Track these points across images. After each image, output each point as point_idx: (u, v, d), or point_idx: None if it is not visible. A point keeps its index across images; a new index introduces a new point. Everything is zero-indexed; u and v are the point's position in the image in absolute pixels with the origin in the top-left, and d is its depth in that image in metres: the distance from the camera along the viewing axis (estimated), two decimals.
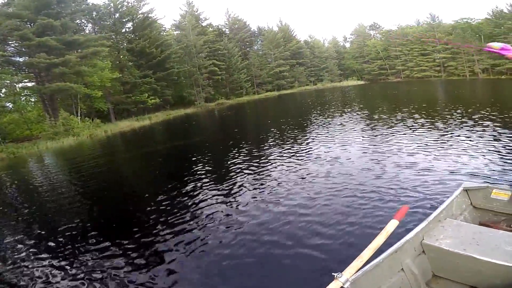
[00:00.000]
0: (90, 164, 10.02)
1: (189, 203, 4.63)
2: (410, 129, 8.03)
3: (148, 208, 4.66)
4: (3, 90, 24.73)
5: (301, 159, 6.35)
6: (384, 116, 10.72)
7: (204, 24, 48.42)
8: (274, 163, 6.27)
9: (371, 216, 3.38)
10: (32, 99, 27.81)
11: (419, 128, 8.01)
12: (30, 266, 3.39)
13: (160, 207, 4.62)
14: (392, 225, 1.76)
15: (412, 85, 32.51)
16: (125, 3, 33.72)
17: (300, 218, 3.62)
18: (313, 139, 8.37)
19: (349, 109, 14.86)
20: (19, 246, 3.99)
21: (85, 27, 31.43)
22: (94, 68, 24.97)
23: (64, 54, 22.70)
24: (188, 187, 5.34)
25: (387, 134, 7.69)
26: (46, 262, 3.43)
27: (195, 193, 5.00)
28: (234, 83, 47.79)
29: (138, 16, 34.76)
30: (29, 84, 25.84)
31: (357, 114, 12.48)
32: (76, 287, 2.85)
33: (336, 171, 5.19)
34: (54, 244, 3.94)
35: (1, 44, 23.29)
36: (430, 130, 7.54)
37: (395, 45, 54.78)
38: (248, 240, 3.26)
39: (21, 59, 24.78)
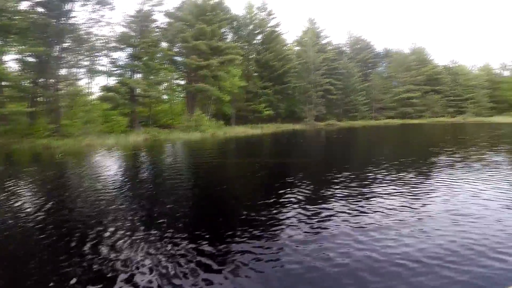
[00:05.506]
0: (205, 160, 11.78)
1: (275, 219, 4.49)
2: None
3: (234, 211, 5.13)
4: (165, 84, 31.19)
5: (421, 198, 5.23)
6: None
7: (324, 42, 48.54)
8: (383, 199, 4.84)
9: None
10: (181, 95, 34.33)
11: None
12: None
13: (246, 214, 4.71)
14: None
15: None
16: (258, 16, 37.46)
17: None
18: (444, 180, 6.52)
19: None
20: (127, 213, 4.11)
21: (227, 36, 36.43)
22: (228, 74, 28.49)
23: (209, 58, 26.51)
24: (279, 205, 5.14)
25: None
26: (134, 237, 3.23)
27: (284, 211, 4.78)
28: (349, 105, 45.76)
29: (267, 29, 37.88)
30: (181, 82, 32.26)
31: None
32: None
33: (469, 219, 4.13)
34: (147, 218, 4.76)
35: (170, 44, 29.34)
36: None
37: None
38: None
39: (180, 59, 30.14)
